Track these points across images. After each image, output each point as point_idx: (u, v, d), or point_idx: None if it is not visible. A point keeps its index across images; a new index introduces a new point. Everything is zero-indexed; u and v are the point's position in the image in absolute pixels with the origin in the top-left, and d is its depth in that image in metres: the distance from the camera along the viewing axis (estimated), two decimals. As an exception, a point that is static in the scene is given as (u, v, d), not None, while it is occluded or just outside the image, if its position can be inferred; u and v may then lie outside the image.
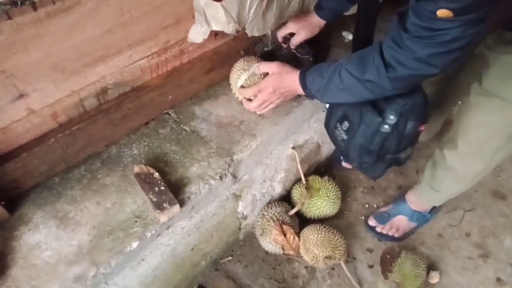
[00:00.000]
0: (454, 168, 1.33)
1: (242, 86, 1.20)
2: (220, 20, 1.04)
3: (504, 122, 1.15)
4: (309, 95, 1.14)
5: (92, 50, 0.93)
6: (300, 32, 1.29)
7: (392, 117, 1.08)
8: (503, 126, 1.16)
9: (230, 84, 1.25)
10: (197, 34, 1.09)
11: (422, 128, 1.13)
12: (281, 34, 1.33)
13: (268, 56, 1.33)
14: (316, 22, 1.31)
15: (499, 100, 1.10)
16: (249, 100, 1.20)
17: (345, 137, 1.20)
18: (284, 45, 1.35)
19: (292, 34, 1.31)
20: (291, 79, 1.14)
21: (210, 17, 1.04)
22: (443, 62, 0.88)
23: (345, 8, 1.32)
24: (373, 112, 1.10)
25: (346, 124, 1.19)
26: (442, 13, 0.79)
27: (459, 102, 1.42)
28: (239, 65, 1.21)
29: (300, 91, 1.14)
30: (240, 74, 1.19)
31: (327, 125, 1.30)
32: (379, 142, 1.12)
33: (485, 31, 1.13)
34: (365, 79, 0.98)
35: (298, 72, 1.13)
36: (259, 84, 1.15)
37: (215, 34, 1.20)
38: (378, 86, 0.98)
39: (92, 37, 0.90)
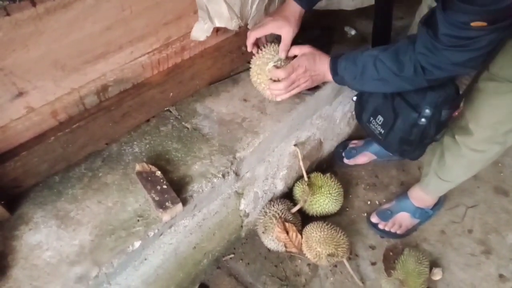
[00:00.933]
0: (467, 155, 1.30)
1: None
2: (223, 16, 1.02)
3: None
4: (338, 82, 1.14)
5: (92, 47, 0.91)
6: (283, 31, 1.11)
7: (427, 111, 1.12)
8: None
9: (250, 72, 1.21)
10: (200, 31, 1.07)
11: (456, 113, 1.20)
12: (255, 36, 1.15)
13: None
14: (296, 12, 1.12)
15: (509, 83, 1.09)
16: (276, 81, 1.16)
17: (381, 130, 1.23)
18: (256, 54, 1.18)
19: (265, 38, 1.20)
20: (322, 63, 1.13)
21: (213, 14, 1.02)
22: (478, 63, 0.93)
23: None
24: (408, 108, 1.15)
25: (380, 118, 1.22)
26: (476, 24, 0.81)
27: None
28: (267, 50, 1.17)
29: (329, 77, 1.14)
30: (268, 59, 1.15)
31: (359, 119, 1.31)
32: (418, 133, 1.17)
33: None
34: (402, 75, 1.00)
35: (329, 57, 1.13)
36: (292, 62, 1.12)
37: (216, 30, 1.18)
38: (415, 82, 1.03)
39: (92, 33, 0.88)
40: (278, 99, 1.19)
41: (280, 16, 1.12)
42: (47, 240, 0.92)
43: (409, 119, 1.15)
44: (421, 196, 1.56)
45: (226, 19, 1.04)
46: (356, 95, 1.35)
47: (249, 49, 1.20)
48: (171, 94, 1.19)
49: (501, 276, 1.51)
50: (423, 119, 1.14)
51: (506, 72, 1.10)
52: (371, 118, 1.26)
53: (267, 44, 1.19)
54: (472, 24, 0.81)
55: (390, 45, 1.07)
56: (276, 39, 1.21)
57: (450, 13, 0.83)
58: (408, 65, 0.99)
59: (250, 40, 1.17)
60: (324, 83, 1.30)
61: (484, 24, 0.80)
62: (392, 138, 1.21)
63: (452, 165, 1.37)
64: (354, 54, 1.10)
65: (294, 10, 1.12)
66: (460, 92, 1.17)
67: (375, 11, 1.25)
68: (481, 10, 0.80)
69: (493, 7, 0.78)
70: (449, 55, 0.91)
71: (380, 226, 1.59)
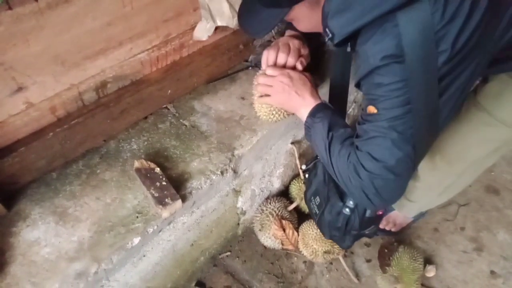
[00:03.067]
0: (422, 178, 1.32)
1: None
2: (224, 15, 1.03)
3: (486, 137, 1.14)
4: (306, 126, 1.04)
5: (92, 42, 0.91)
6: (304, 51, 1.13)
7: (351, 202, 1.14)
8: (484, 142, 1.16)
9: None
10: (203, 31, 1.08)
11: (380, 212, 1.21)
12: (283, 59, 1.10)
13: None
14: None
15: (487, 115, 1.09)
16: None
17: (317, 211, 1.26)
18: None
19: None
20: (310, 95, 1.05)
21: (214, 12, 1.03)
22: (389, 161, 0.85)
23: None
24: (336, 196, 1.16)
25: (318, 199, 1.25)
26: (369, 109, 0.83)
27: None
28: None
29: (303, 112, 1.05)
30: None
31: (305, 195, 1.33)
32: (343, 222, 1.19)
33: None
34: (335, 170, 0.95)
35: (318, 99, 1.06)
36: (286, 69, 1.07)
37: (215, 28, 1.18)
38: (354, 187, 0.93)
39: (92, 29, 0.88)
40: (257, 94, 1.14)
41: (294, 34, 1.16)
42: (45, 236, 0.92)
43: (336, 206, 1.18)
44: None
45: (227, 18, 1.04)
46: (304, 172, 1.37)
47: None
48: (169, 91, 1.19)
49: (492, 272, 1.54)
50: (347, 209, 1.15)
51: (490, 103, 1.08)
52: (312, 197, 1.28)
53: None
54: (368, 108, 0.83)
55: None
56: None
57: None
58: (345, 158, 0.92)
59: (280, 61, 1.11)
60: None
61: (374, 110, 0.82)
62: (323, 221, 1.25)
63: (412, 186, 1.37)
64: (336, 118, 1.00)
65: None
66: None
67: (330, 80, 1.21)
68: (368, 96, 0.83)
69: (372, 93, 0.81)
70: (362, 147, 0.87)
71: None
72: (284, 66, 1.12)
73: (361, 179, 0.86)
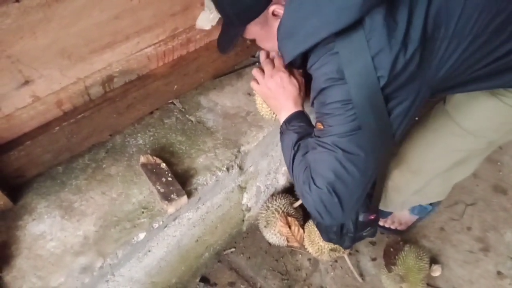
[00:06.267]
0: (392, 178, 1.34)
1: None
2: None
3: (452, 147, 1.14)
4: (281, 130, 1.03)
5: (99, 36, 0.90)
6: None
7: None
8: (450, 151, 1.16)
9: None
10: (206, 20, 1.06)
11: (372, 217, 1.24)
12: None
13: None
14: None
15: (454, 124, 1.09)
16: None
17: None
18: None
19: None
20: (293, 101, 1.02)
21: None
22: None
23: None
24: None
25: None
26: (318, 125, 0.86)
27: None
28: None
29: (282, 115, 1.03)
30: None
31: None
32: (338, 227, 1.24)
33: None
34: (296, 181, 0.94)
35: (299, 108, 1.04)
36: (286, 71, 1.04)
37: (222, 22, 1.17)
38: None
39: (100, 22, 0.87)
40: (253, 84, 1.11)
41: None
42: (51, 230, 0.92)
43: None
44: None
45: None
46: None
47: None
48: (176, 86, 1.19)
49: (499, 273, 1.52)
50: None
51: (458, 112, 1.09)
52: None
53: None
54: (317, 125, 0.86)
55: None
56: None
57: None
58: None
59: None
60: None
61: (321, 126, 0.84)
62: (320, 226, 1.30)
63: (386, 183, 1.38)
64: (310, 131, 0.97)
65: None
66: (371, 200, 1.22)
67: None
68: (317, 113, 0.86)
69: (320, 111, 0.84)
70: (310, 160, 0.88)
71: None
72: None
73: (311, 193, 0.86)
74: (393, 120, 0.82)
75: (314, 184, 0.85)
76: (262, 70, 1.07)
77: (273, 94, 1.04)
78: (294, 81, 1.03)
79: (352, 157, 0.82)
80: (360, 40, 0.75)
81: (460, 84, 0.91)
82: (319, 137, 0.86)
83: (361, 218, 1.22)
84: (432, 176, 1.25)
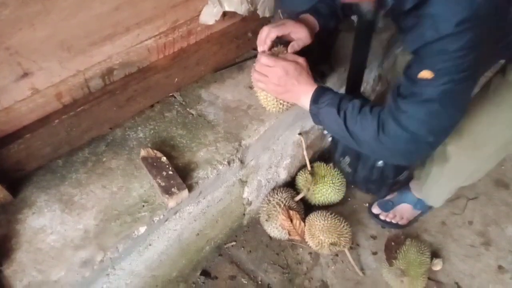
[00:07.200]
0: (451, 161, 1.28)
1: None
2: (233, 1, 1.00)
3: None
4: (312, 113, 1.03)
5: (99, 28, 0.89)
6: (302, 35, 1.08)
7: None
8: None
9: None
10: (209, 15, 1.05)
11: None
12: (276, 33, 1.06)
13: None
14: (313, 26, 1.12)
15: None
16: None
17: (349, 170, 1.32)
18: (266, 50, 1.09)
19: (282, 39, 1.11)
20: (306, 83, 1.03)
21: (223, -4, 1.00)
22: (435, 127, 0.89)
23: (338, 19, 1.18)
24: None
25: (347, 158, 1.32)
26: (422, 75, 0.82)
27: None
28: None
29: (304, 101, 1.04)
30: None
31: (333, 157, 1.38)
32: (378, 174, 1.27)
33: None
34: (378, 138, 0.94)
35: (315, 84, 1.04)
36: (278, 59, 1.03)
37: (223, 14, 1.16)
38: (385, 148, 0.95)
39: (100, 14, 0.86)
40: (254, 85, 1.12)
41: (301, 21, 1.10)
42: (51, 224, 0.91)
43: (369, 161, 1.25)
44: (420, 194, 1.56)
45: (236, 3, 1.02)
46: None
47: (265, 47, 1.08)
48: (176, 79, 1.18)
49: (500, 267, 1.52)
50: (380, 162, 1.21)
51: None
52: (341, 158, 1.34)
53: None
54: (419, 74, 0.83)
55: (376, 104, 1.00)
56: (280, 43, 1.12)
57: (408, 64, 0.87)
58: (386, 127, 0.92)
59: (271, 37, 1.06)
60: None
61: (430, 75, 0.82)
62: (357, 177, 1.32)
63: (438, 170, 1.34)
64: (340, 95, 1.01)
65: (312, 24, 1.13)
66: None
67: (352, 49, 1.20)
68: (426, 60, 0.82)
69: (433, 59, 0.81)
70: (406, 107, 0.88)
71: (382, 217, 1.59)
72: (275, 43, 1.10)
73: (395, 137, 0.89)
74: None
75: (402, 128, 0.88)
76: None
77: (283, 86, 1.03)
78: (297, 65, 1.03)
79: (458, 106, 0.85)
80: None
81: None
82: (422, 85, 0.84)
83: None
84: (494, 150, 1.21)
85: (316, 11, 1.13)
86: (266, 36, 1.07)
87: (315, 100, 1.02)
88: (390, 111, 0.91)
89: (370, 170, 1.25)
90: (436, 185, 1.40)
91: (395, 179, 1.28)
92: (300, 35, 1.09)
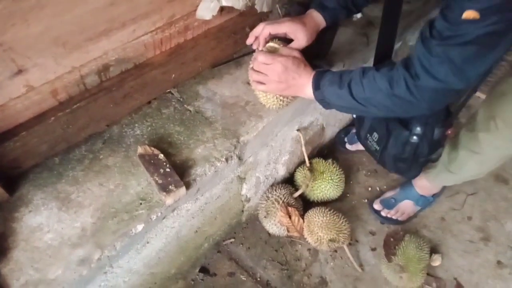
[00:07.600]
0: (484, 150, 1.24)
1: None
2: (231, -6, 0.99)
3: None
4: (319, 98, 1.03)
5: (94, 23, 0.88)
6: (298, 36, 1.06)
7: (418, 128, 1.11)
8: None
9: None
10: (206, 10, 1.04)
11: (449, 132, 1.17)
12: (269, 31, 1.06)
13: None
14: (316, 25, 1.11)
15: None
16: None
17: (377, 147, 1.24)
18: (258, 48, 1.09)
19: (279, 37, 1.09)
20: (306, 74, 1.03)
21: (220, -9, 0.99)
22: (468, 73, 0.84)
23: (349, 11, 1.15)
24: (399, 126, 1.13)
25: (375, 135, 1.23)
26: (467, 14, 0.77)
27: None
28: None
29: (307, 91, 1.04)
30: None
31: (358, 135, 1.30)
32: (410, 151, 1.17)
33: None
34: (392, 93, 0.91)
35: (312, 71, 1.03)
36: (276, 55, 1.02)
37: (221, 9, 1.14)
38: (405, 102, 0.92)
39: (95, 9, 0.85)
40: (252, 83, 1.11)
41: (299, 20, 1.08)
42: (48, 222, 0.90)
43: (401, 137, 1.16)
44: (426, 185, 1.55)
45: (233, -2, 1.01)
46: None
47: (259, 46, 1.09)
48: (173, 75, 1.16)
49: (499, 262, 1.52)
50: (414, 137, 1.14)
51: None
52: (368, 135, 1.26)
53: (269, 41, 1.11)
54: (464, 15, 0.78)
55: (380, 65, 0.99)
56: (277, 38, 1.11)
57: (446, 5, 0.81)
58: (399, 81, 0.90)
59: (264, 34, 1.07)
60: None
61: (476, 15, 0.76)
62: (386, 156, 1.22)
63: (465, 159, 1.32)
64: (341, 71, 1.01)
65: (315, 21, 1.10)
66: (452, 111, 1.16)
67: (381, 21, 1.16)
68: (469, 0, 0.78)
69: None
70: (440, 51, 0.83)
71: (383, 214, 1.59)
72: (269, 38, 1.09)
73: (422, 86, 0.86)
74: None
75: (430, 75, 0.84)
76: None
77: (285, 82, 1.03)
78: (294, 59, 1.02)
79: (495, 53, 0.80)
80: None
81: None
82: (465, 27, 0.79)
83: (436, 135, 1.15)
84: None
85: (321, 6, 1.10)
86: (259, 33, 1.06)
87: (316, 85, 1.02)
88: (417, 59, 0.86)
89: (402, 146, 1.16)
90: (462, 170, 1.36)
91: (428, 157, 1.20)
92: (295, 37, 1.07)
